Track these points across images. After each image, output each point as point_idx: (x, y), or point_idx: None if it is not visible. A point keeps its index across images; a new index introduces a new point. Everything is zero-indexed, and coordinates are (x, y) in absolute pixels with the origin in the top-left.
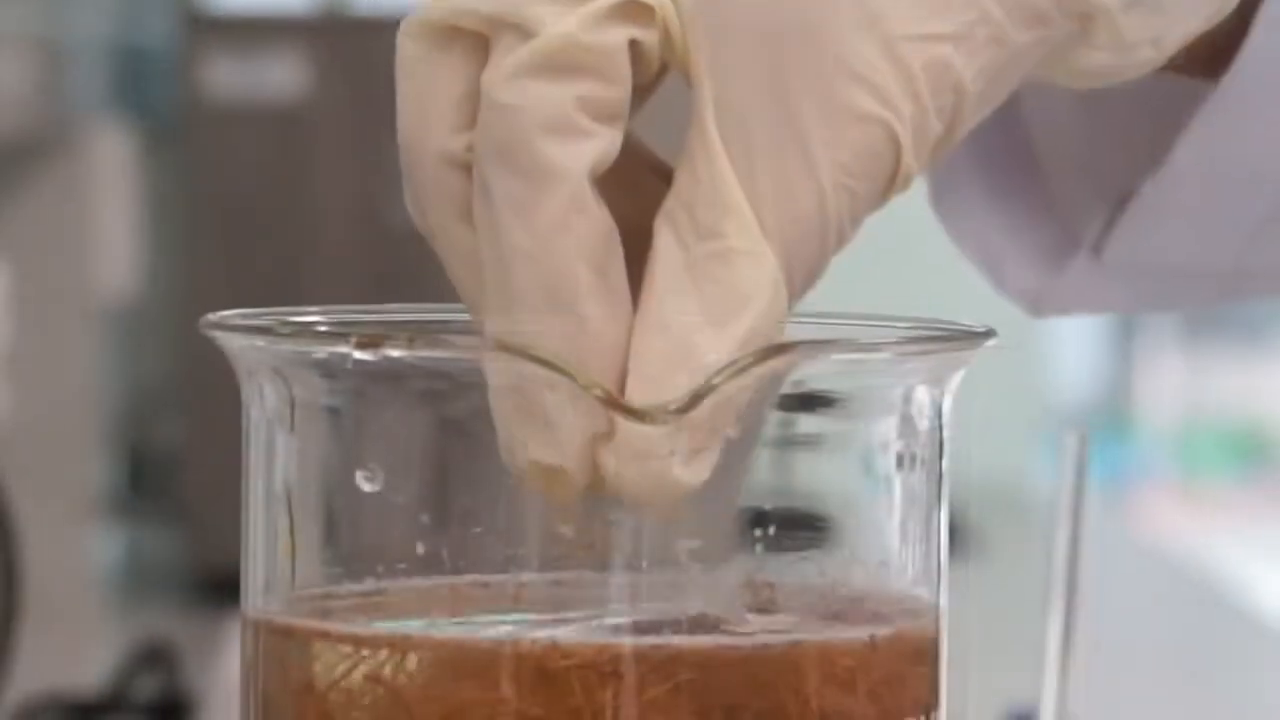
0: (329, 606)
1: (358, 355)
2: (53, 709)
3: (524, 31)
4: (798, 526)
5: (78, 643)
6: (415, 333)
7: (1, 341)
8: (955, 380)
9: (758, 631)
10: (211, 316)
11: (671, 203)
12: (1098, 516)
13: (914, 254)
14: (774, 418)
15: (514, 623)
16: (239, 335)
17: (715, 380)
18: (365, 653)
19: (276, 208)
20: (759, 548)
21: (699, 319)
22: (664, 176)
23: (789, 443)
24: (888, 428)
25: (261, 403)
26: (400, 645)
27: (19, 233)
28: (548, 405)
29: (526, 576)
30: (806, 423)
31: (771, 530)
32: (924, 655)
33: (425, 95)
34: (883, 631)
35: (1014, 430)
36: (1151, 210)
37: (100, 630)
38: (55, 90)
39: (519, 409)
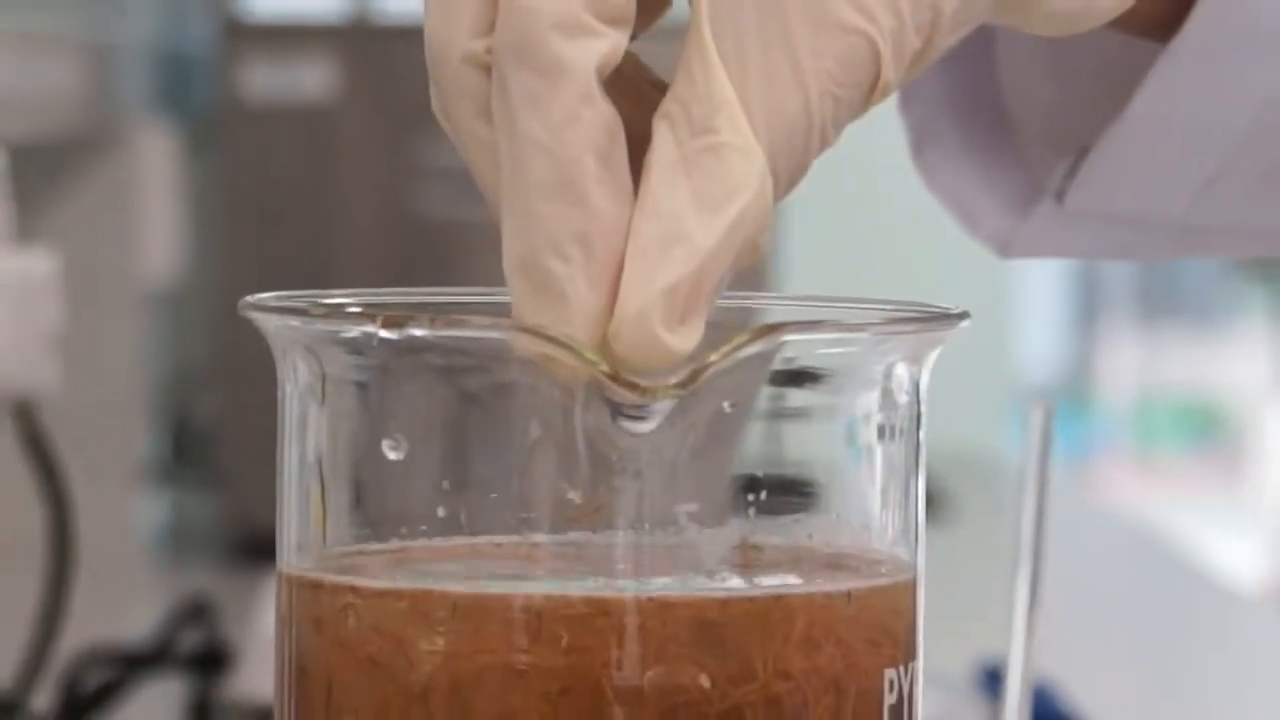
0: (357, 564)
1: (383, 334)
2: (102, 660)
3: None
4: (787, 492)
5: (125, 599)
6: (436, 313)
7: (55, 323)
8: (932, 358)
9: (752, 586)
10: (249, 299)
11: (669, 102)
12: (1061, 485)
13: (899, 245)
14: (765, 392)
15: (525, 578)
16: (274, 316)
17: (712, 359)
18: (389, 605)
19: (307, 200)
20: (752, 511)
21: (691, 205)
22: (663, 90)
23: (779, 415)
24: (870, 401)
25: (295, 378)
26: (421, 599)
27: (71, 223)
28: (559, 278)
29: (538, 538)
30: (795, 397)
31: (763, 495)
32: (903, 610)
33: (449, 1)
34: (865, 586)
35: (985, 404)
36: (1107, 160)
37: (146, 588)
38: (104, 91)
39: (534, 286)
